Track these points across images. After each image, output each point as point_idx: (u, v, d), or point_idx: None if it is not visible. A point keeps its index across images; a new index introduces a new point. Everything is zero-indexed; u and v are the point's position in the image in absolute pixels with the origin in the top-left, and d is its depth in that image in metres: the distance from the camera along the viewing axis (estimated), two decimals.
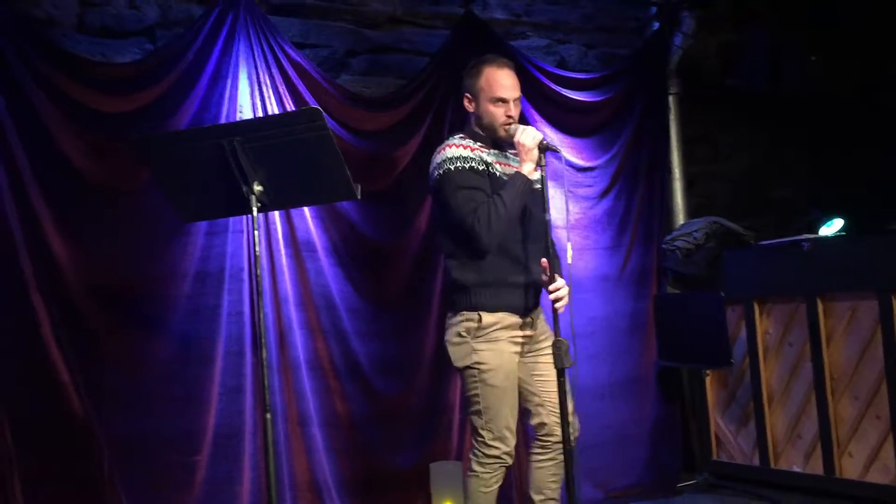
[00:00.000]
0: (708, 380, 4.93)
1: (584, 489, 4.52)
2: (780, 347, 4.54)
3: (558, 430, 3.14)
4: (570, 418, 3.11)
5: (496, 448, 3.16)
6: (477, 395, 3.18)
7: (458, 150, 3.18)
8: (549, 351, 3.17)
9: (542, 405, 3.28)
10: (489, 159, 3.21)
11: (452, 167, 3.15)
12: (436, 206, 3.37)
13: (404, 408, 4.27)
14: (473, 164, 3.16)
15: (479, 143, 3.27)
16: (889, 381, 4.00)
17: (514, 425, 3.20)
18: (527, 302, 3.23)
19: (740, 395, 4.77)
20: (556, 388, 3.08)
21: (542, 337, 3.30)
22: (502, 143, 3.31)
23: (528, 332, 3.24)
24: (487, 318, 3.16)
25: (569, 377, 3.13)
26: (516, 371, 3.23)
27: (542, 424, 3.28)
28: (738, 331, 4.73)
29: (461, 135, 3.30)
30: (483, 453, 3.19)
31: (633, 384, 4.88)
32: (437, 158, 3.23)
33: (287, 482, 3.95)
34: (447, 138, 3.35)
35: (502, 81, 3.22)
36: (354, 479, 4.12)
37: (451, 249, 3.25)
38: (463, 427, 4.33)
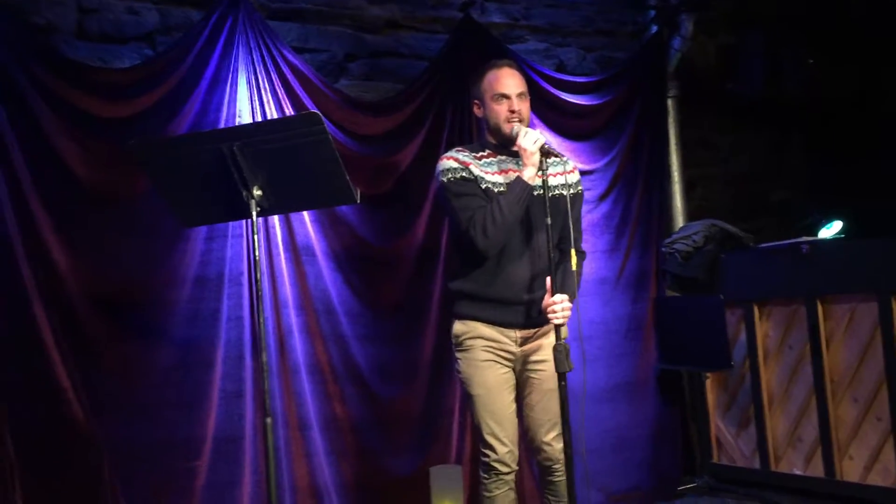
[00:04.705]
0: (708, 383, 4.93)
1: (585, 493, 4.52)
2: (779, 350, 4.54)
3: (544, 451, 3.24)
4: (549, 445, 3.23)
5: (484, 455, 3.20)
6: (468, 402, 3.28)
7: (449, 161, 3.22)
8: (537, 375, 3.21)
9: (530, 427, 3.30)
10: (477, 171, 3.19)
11: (445, 179, 3.20)
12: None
13: (404, 412, 4.26)
14: (464, 174, 3.18)
15: (485, 151, 3.27)
16: (889, 382, 4.01)
17: (501, 434, 3.17)
18: (510, 317, 3.18)
19: (740, 397, 4.77)
20: (542, 411, 3.19)
21: (536, 357, 3.25)
22: (512, 146, 3.25)
23: (510, 348, 3.20)
24: (458, 326, 3.25)
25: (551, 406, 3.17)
26: (496, 380, 3.21)
27: (531, 441, 3.32)
28: (737, 333, 4.73)
29: (459, 147, 3.34)
30: (481, 459, 3.24)
31: (632, 388, 4.87)
32: (435, 172, 3.29)
33: (287, 486, 3.94)
34: (446, 144, 3.36)
35: (502, 79, 3.25)
36: (355, 482, 4.12)
37: (453, 258, 3.27)
38: (462, 431, 4.33)
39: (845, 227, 4.98)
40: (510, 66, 3.30)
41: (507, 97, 3.22)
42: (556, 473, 3.26)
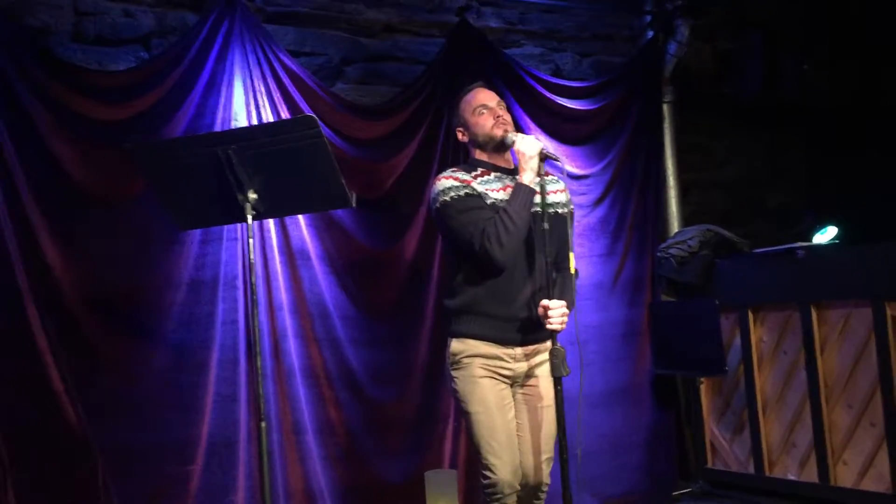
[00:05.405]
0: (702, 387, 4.94)
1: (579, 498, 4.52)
2: (774, 355, 4.55)
3: (532, 474, 3.14)
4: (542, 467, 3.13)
5: (485, 476, 3.07)
6: (465, 421, 3.16)
7: (448, 181, 3.13)
8: (532, 392, 3.16)
9: (520, 449, 3.16)
10: (480, 188, 3.12)
11: (447, 197, 3.09)
12: (443, 236, 3.35)
13: (399, 416, 4.26)
14: (467, 190, 3.10)
15: (478, 170, 3.20)
16: (883, 388, 4.01)
17: (504, 455, 3.04)
18: (510, 333, 3.10)
19: (735, 402, 4.77)
20: (535, 431, 3.12)
21: (533, 374, 3.17)
22: (506, 155, 3.23)
23: (509, 365, 3.11)
24: (455, 345, 3.13)
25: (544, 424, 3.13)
26: (495, 396, 3.09)
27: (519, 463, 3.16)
28: (732, 338, 4.74)
29: (453, 168, 3.26)
30: (481, 481, 3.12)
31: (627, 392, 4.88)
32: (432, 193, 3.19)
33: (282, 490, 3.94)
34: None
35: (478, 95, 3.26)
36: (349, 486, 4.11)
37: (451, 275, 3.20)
38: (457, 435, 4.32)
39: (841, 231, 4.98)
40: (482, 85, 3.33)
41: (487, 107, 3.21)
42: (537, 502, 3.20)
